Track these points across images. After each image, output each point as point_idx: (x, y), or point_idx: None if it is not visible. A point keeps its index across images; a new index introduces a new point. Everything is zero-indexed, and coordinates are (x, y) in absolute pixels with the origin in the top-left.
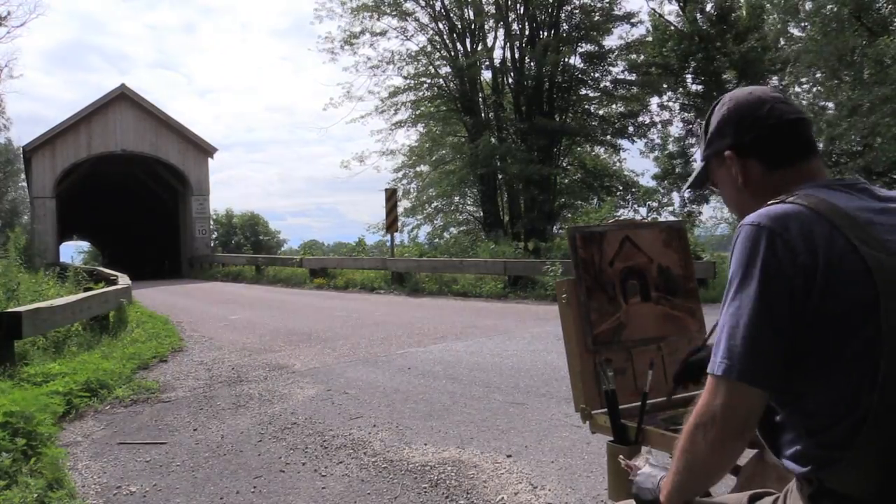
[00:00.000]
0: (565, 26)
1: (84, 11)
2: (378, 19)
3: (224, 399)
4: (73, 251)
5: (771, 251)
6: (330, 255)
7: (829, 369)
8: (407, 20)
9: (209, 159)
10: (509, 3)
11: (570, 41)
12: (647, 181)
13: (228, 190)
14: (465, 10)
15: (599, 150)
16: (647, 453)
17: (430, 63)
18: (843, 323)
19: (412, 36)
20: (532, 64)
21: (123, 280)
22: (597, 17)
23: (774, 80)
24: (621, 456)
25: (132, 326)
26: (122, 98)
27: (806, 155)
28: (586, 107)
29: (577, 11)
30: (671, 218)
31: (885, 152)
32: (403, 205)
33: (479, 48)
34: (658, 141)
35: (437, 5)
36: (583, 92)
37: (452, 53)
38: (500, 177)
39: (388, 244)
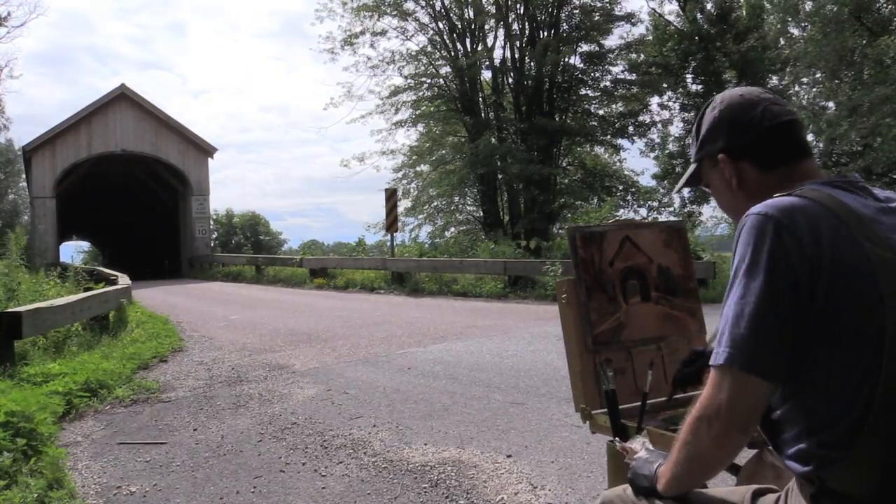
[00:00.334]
0: (565, 26)
1: (72, 11)
2: (378, 19)
3: (224, 399)
4: (73, 251)
5: (778, 241)
6: (330, 255)
7: (830, 365)
8: (407, 20)
9: (209, 159)
10: (509, 2)
11: (570, 41)
12: (646, 181)
13: (225, 190)
14: (466, 9)
15: (599, 150)
16: (644, 436)
17: (430, 63)
18: (846, 318)
19: (412, 36)
20: (532, 64)
21: (123, 280)
22: (597, 17)
23: (774, 79)
24: (617, 439)
25: (132, 326)
26: (122, 98)
27: (800, 156)
28: (586, 107)
29: (576, 11)
30: (671, 218)
31: (885, 153)
32: (404, 204)
33: (479, 48)
34: (658, 141)
35: (437, 5)
36: (583, 92)
37: (452, 53)
38: (500, 177)
39: (388, 244)
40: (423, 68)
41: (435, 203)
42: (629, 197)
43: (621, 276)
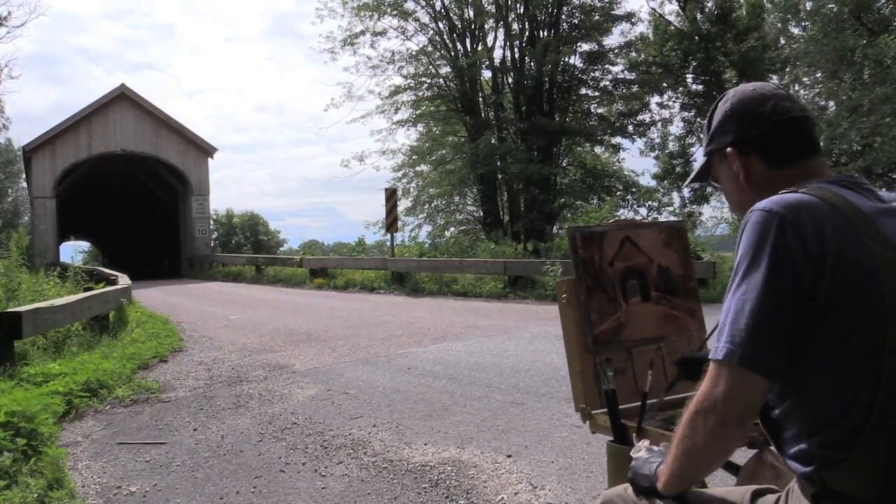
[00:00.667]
0: (565, 26)
1: (62, 11)
2: (379, 19)
3: (224, 399)
4: (73, 251)
5: (782, 237)
6: (330, 255)
7: (832, 365)
8: (407, 20)
9: (209, 159)
10: (509, 2)
11: (570, 41)
12: (646, 181)
13: (223, 190)
14: (466, 9)
15: (599, 149)
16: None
17: (430, 63)
18: (848, 318)
19: (412, 36)
20: (532, 64)
21: (123, 280)
22: (596, 17)
23: (774, 79)
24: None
25: (132, 326)
26: (122, 98)
27: (808, 153)
28: (586, 106)
29: (576, 11)
30: (671, 218)
31: (886, 153)
32: (403, 204)
33: (479, 48)
34: (658, 140)
35: (438, 5)
36: (583, 91)
37: (452, 53)
38: (500, 177)
39: (388, 244)
40: (423, 68)
41: (435, 203)
42: (629, 197)
43: (621, 276)
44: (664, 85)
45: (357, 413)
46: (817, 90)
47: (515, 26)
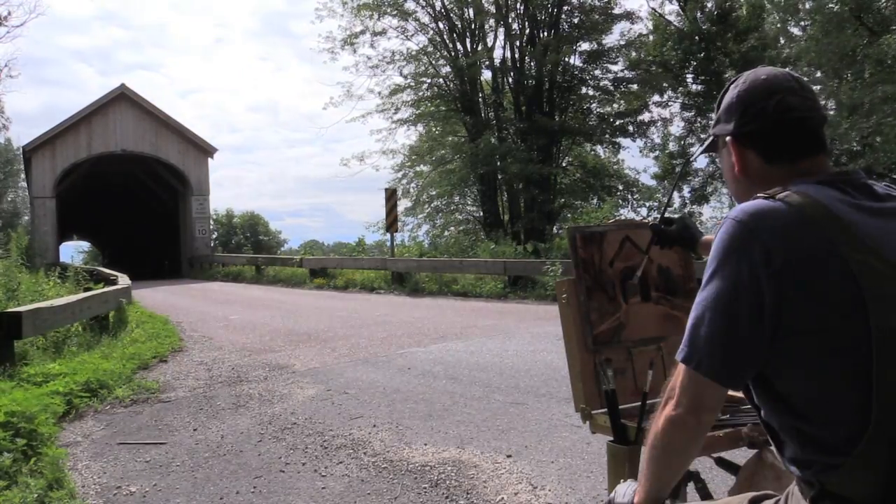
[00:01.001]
0: (565, 26)
1: (53, 11)
2: (379, 19)
3: (224, 399)
4: (73, 251)
5: (747, 251)
6: (330, 255)
7: (819, 374)
8: (407, 20)
9: (209, 159)
10: (509, 2)
11: (569, 40)
12: (646, 180)
13: (221, 191)
14: (466, 9)
15: (599, 149)
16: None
17: (430, 63)
18: (826, 328)
19: (412, 36)
20: (532, 64)
21: (123, 280)
22: (596, 16)
23: None
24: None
25: (132, 326)
26: (122, 98)
27: (807, 152)
28: (586, 106)
29: (576, 11)
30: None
31: (887, 152)
32: (403, 204)
33: (479, 48)
34: (658, 140)
35: (438, 5)
36: (583, 91)
37: (452, 53)
38: (500, 176)
39: (388, 244)
40: (423, 68)
41: (435, 203)
42: (629, 196)
43: (621, 276)
44: (664, 85)
45: (357, 413)
46: (818, 89)
47: (515, 26)
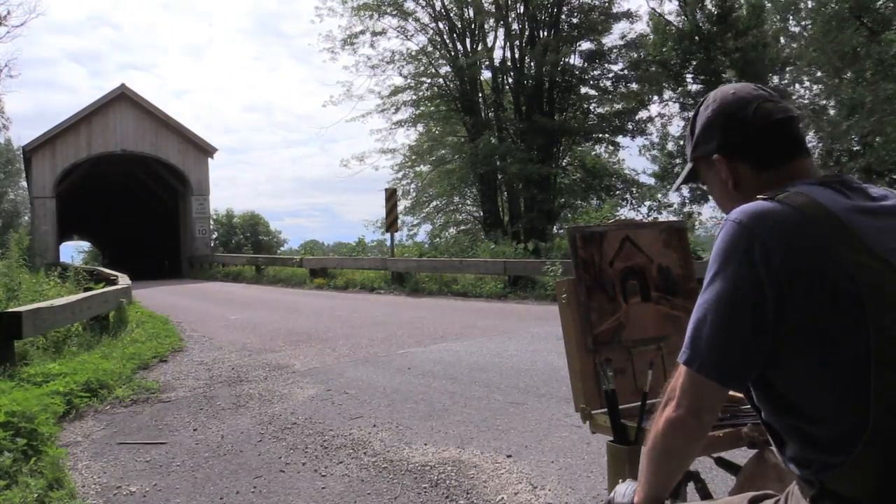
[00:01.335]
0: (565, 26)
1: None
2: (379, 18)
3: (224, 399)
4: (73, 251)
5: (748, 252)
6: (330, 255)
7: (818, 373)
8: (407, 20)
9: (209, 159)
10: (509, 2)
11: (569, 40)
12: (646, 180)
13: (218, 191)
14: (466, 9)
15: (599, 149)
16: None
17: (430, 63)
18: (825, 328)
19: (412, 36)
20: (532, 64)
21: (123, 280)
22: (595, 16)
23: (775, 79)
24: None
25: (132, 326)
26: (122, 98)
27: (795, 154)
28: (586, 106)
29: (576, 11)
30: (671, 218)
31: (887, 152)
32: (403, 204)
33: (479, 48)
34: (657, 140)
35: (438, 5)
36: (583, 91)
37: (452, 53)
38: (499, 176)
39: (388, 244)
40: (423, 68)
41: (434, 203)
42: (628, 196)
43: (621, 276)
44: (664, 84)
45: (357, 413)
46: (817, 90)
47: (515, 26)
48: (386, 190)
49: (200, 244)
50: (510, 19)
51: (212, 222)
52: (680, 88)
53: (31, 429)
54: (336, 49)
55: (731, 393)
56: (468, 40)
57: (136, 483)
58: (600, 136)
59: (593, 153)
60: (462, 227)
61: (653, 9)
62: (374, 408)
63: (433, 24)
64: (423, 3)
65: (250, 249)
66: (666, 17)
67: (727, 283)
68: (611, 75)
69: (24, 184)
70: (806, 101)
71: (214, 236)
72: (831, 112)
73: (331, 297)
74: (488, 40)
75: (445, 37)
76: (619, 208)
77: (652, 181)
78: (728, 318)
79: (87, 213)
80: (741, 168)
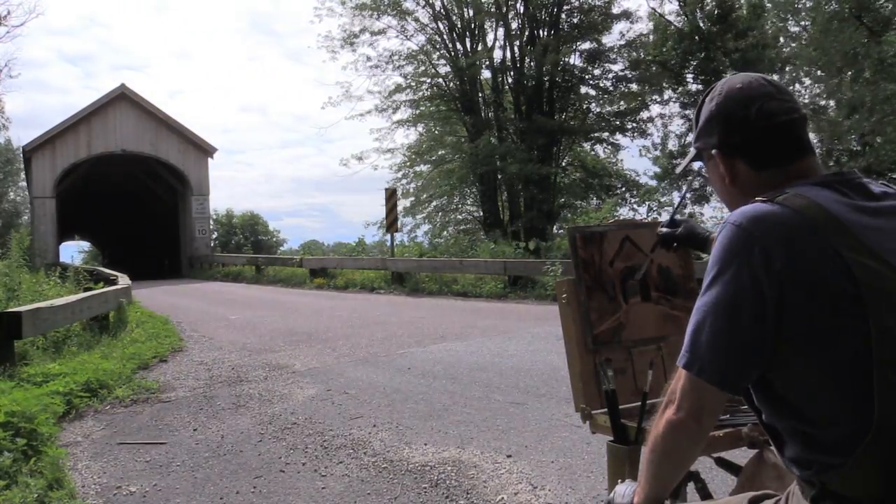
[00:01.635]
0: (565, 25)
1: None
2: (378, 18)
3: (224, 399)
4: (74, 251)
5: (748, 256)
6: (330, 255)
7: (819, 374)
8: (406, 20)
9: (209, 159)
10: (509, 2)
11: (569, 40)
12: (646, 180)
13: (215, 191)
14: (465, 9)
15: (599, 149)
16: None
17: (429, 63)
18: (826, 330)
19: (412, 35)
20: (532, 63)
21: (123, 280)
22: (595, 16)
23: (775, 78)
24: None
25: (132, 326)
26: (122, 98)
27: (796, 155)
28: (586, 106)
29: (576, 11)
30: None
31: (888, 152)
32: (402, 204)
33: (479, 48)
34: (658, 140)
35: (437, 4)
36: (583, 91)
37: (452, 53)
38: (499, 176)
39: (388, 244)
40: (422, 68)
41: (434, 203)
42: (628, 196)
43: (621, 276)
44: (664, 84)
45: (357, 413)
46: (817, 90)
47: (515, 26)
48: (386, 190)
49: (200, 244)
50: (510, 19)
51: (211, 222)
52: (680, 88)
53: (31, 429)
54: (335, 49)
55: None
56: (468, 40)
57: (136, 483)
58: (600, 136)
59: (593, 153)
60: (462, 227)
61: (653, 9)
62: (374, 408)
63: (433, 24)
64: (423, 3)
65: (250, 249)
66: (666, 17)
67: (726, 286)
68: (611, 75)
69: (24, 184)
70: (806, 101)
71: (214, 236)
72: (831, 112)
73: (331, 297)
74: (488, 40)
75: (445, 37)
76: (618, 208)
77: (652, 182)
78: (727, 321)
79: (87, 213)
80: (739, 166)
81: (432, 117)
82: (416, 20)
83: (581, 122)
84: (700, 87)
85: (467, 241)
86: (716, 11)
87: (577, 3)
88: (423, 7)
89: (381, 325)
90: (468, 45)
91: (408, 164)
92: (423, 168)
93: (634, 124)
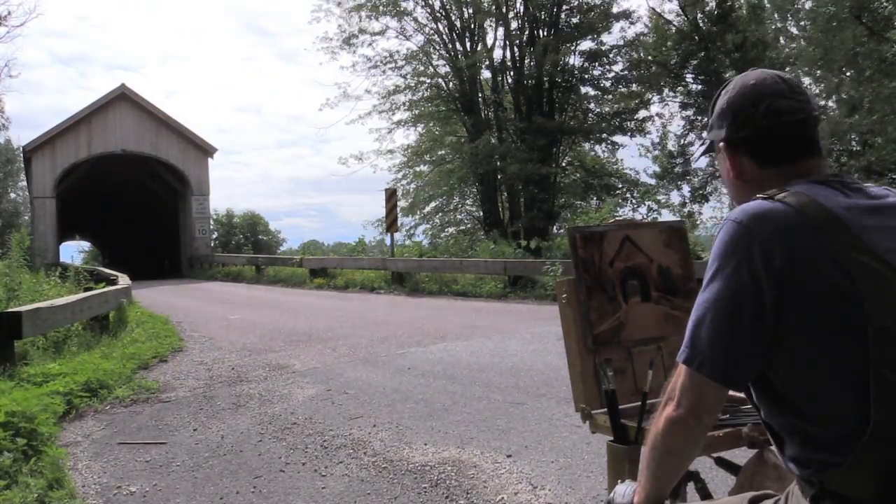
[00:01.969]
0: (565, 26)
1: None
2: (376, 19)
3: (224, 399)
4: (74, 251)
5: (748, 253)
6: (330, 255)
7: (818, 372)
8: (404, 20)
9: (209, 159)
10: (509, 2)
11: (569, 40)
12: (645, 180)
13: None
14: (465, 9)
15: (599, 148)
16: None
17: (429, 63)
18: (823, 327)
19: (411, 35)
20: (532, 63)
21: (123, 280)
22: (594, 15)
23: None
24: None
25: (132, 326)
26: (122, 98)
27: (802, 154)
28: (586, 105)
29: (575, 11)
30: (671, 218)
31: (888, 152)
32: (401, 204)
33: (479, 48)
34: (657, 140)
35: (437, 4)
36: (583, 91)
37: (452, 53)
38: (499, 176)
39: (388, 244)
40: (422, 68)
41: (434, 203)
42: (628, 195)
43: (621, 276)
44: (663, 84)
45: (357, 413)
46: (817, 90)
47: (515, 26)
48: (386, 190)
49: (200, 244)
50: (510, 19)
51: (212, 222)
52: (680, 88)
53: (31, 429)
54: (335, 49)
55: (732, 392)
56: (467, 40)
57: (136, 483)
58: (600, 135)
59: (593, 153)
60: (461, 228)
61: (652, 8)
62: (374, 408)
63: (432, 24)
64: (422, 3)
65: (250, 249)
66: (666, 17)
67: (727, 282)
68: (611, 75)
69: (24, 184)
70: None
71: (214, 236)
72: (832, 112)
73: (331, 297)
74: (488, 40)
75: (445, 37)
76: (618, 208)
77: (652, 181)
78: (728, 317)
79: (87, 213)
80: (744, 160)
81: (432, 117)
82: (415, 20)
83: (581, 122)
84: (700, 87)
85: (467, 241)
86: (716, 11)
87: (576, 3)
88: (423, 7)
89: (381, 325)
90: (468, 44)
91: (408, 164)
92: (424, 168)
93: (634, 124)
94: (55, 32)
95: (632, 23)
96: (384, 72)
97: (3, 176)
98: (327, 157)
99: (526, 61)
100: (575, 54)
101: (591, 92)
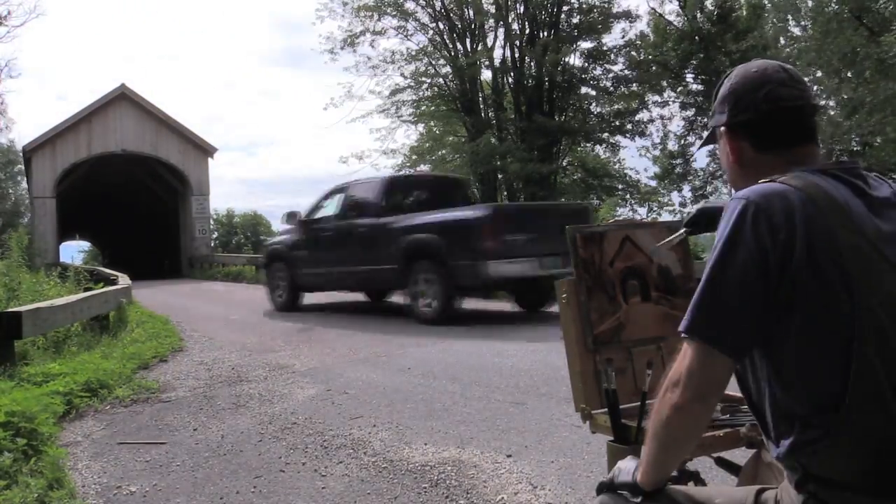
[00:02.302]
0: (565, 26)
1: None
2: (379, 19)
3: (224, 399)
4: (74, 251)
5: (754, 225)
6: None
7: (804, 349)
8: (407, 20)
9: (209, 159)
10: (509, 2)
11: (569, 40)
12: (646, 180)
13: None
14: (466, 9)
15: (599, 149)
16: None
17: (430, 63)
18: (816, 303)
19: (412, 36)
20: (532, 64)
21: (123, 280)
22: (595, 15)
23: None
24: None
25: (132, 326)
26: (122, 98)
27: (799, 141)
28: (586, 105)
29: (575, 11)
30: (671, 218)
31: (888, 152)
32: None
33: (479, 48)
34: (658, 140)
35: (438, 5)
36: (583, 90)
37: (452, 53)
38: (500, 176)
39: None
40: (423, 68)
41: None
42: (628, 196)
43: (621, 276)
44: (663, 84)
45: (357, 413)
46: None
47: (515, 26)
48: None
49: (200, 244)
50: (510, 19)
51: (212, 222)
52: (680, 88)
53: (31, 429)
54: (336, 49)
55: (732, 393)
56: (468, 40)
57: (136, 483)
58: (600, 136)
59: (593, 153)
60: None
61: (652, 8)
62: (374, 408)
63: (433, 24)
64: (423, 3)
65: (251, 249)
66: (666, 17)
67: (733, 255)
68: (611, 75)
69: (24, 184)
70: None
71: (215, 236)
72: (833, 112)
73: (331, 297)
74: (488, 40)
75: (445, 37)
76: (618, 208)
77: (653, 182)
78: (735, 285)
79: (87, 213)
80: (744, 145)
81: (433, 117)
82: (417, 20)
83: (581, 122)
84: (700, 87)
85: None
86: (716, 12)
87: (576, 4)
88: (424, 7)
89: (382, 324)
90: (468, 45)
91: (409, 164)
92: (425, 168)
93: (634, 124)
94: (55, 32)
95: (632, 23)
96: (385, 71)
97: (3, 176)
98: (328, 157)
99: (526, 61)
100: (575, 54)
101: (592, 92)
